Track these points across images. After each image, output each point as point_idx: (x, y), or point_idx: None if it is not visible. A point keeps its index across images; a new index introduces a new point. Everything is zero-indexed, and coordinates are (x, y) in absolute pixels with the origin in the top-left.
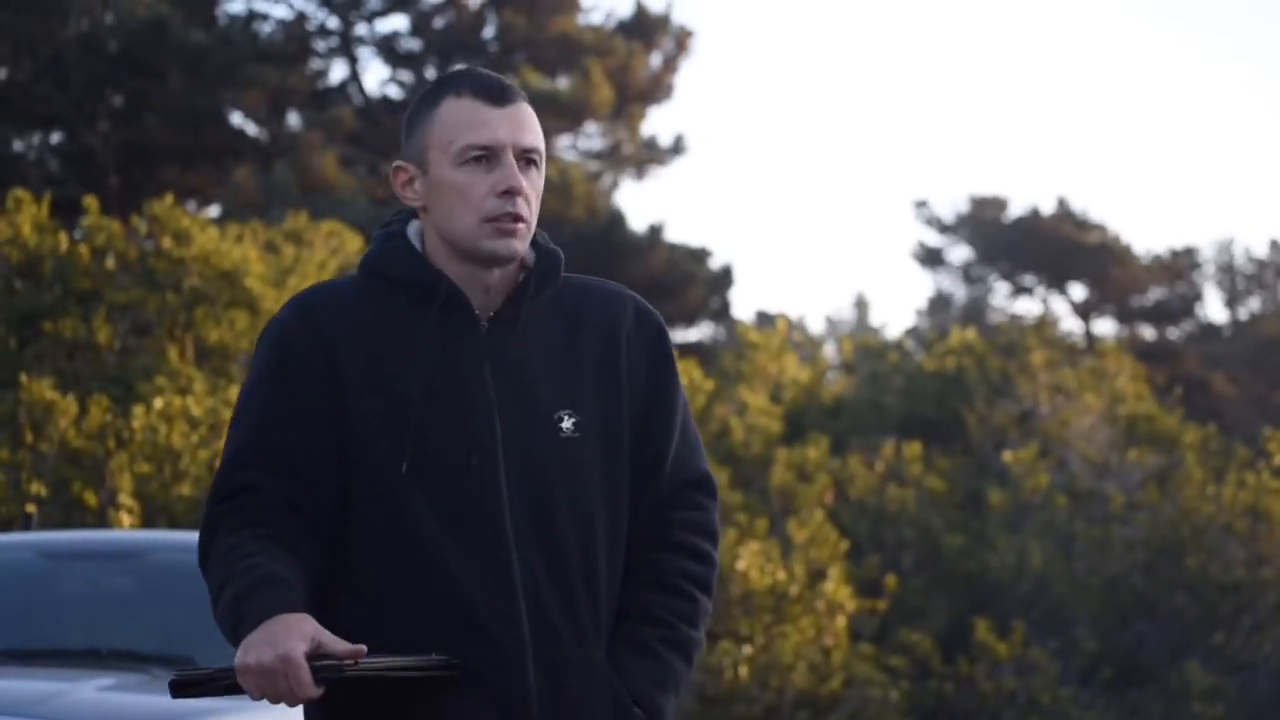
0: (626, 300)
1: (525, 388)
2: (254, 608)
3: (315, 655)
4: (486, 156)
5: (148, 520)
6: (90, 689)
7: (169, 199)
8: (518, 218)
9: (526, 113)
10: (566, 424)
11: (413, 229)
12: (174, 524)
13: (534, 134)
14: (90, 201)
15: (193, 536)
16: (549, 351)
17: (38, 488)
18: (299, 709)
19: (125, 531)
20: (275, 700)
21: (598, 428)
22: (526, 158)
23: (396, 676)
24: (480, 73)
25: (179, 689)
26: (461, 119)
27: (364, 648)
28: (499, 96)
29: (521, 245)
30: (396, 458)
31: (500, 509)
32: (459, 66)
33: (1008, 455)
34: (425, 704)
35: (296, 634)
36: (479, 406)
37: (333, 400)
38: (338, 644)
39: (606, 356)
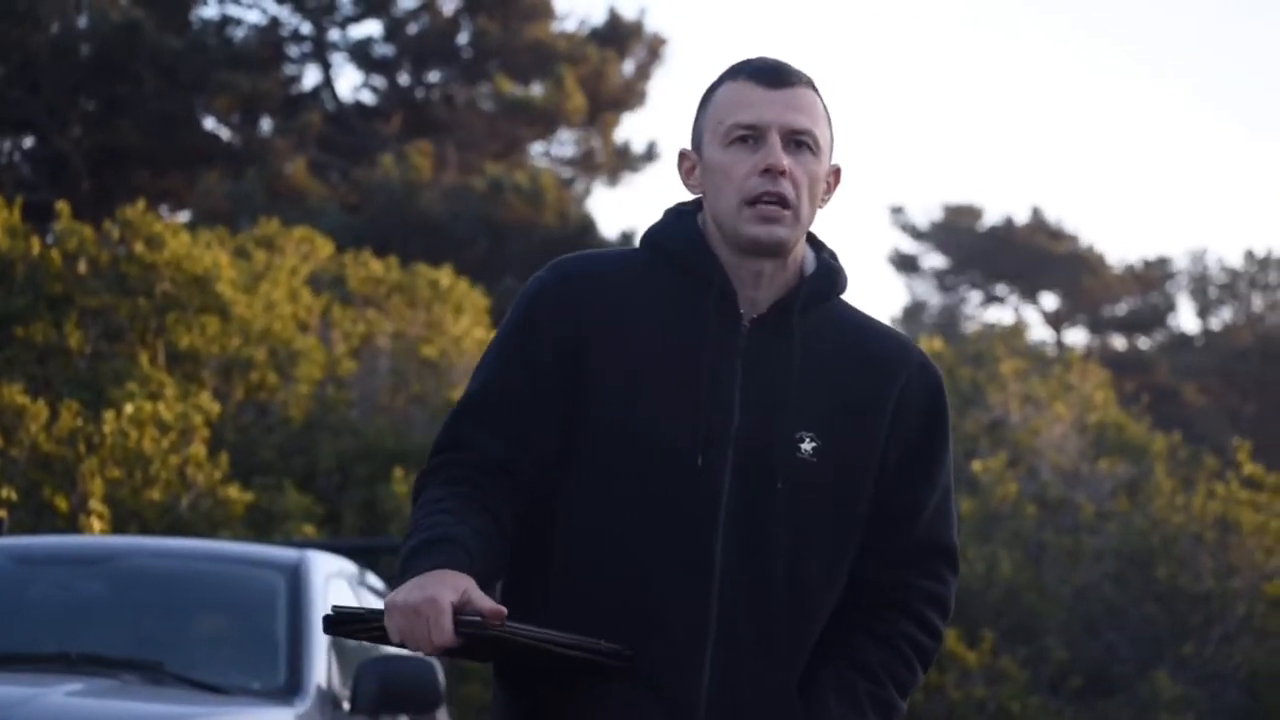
0: (911, 350)
1: (772, 398)
2: (422, 562)
3: (462, 610)
4: (752, 136)
5: (118, 525)
6: (60, 694)
7: (141, 204)
8: (782, 200)
9: (802, 96)
10: (806, 446)
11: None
12: (144, 529)
13: (808, 116)
14: (62, 206)
15: (162, 542)
16: (809, 370)
17: (8, 492)
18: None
19: (95, 536)
20: (413, 644)
21: (839, 460)
22: (796, 140)
23: (551, 651)
24: (764, 58)
25: (332, 624)
26: (732, 100)
27: (504, 610)
28: (773, 79)
29: (786, 232)
30: (622, 436)
31: (715, 513)
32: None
33: (977, 464)
34: (588, 690)
35: (448, 585)
36: (720, 404)
37: (572, 364)
38: (484, 602)
39: (873, 396)
